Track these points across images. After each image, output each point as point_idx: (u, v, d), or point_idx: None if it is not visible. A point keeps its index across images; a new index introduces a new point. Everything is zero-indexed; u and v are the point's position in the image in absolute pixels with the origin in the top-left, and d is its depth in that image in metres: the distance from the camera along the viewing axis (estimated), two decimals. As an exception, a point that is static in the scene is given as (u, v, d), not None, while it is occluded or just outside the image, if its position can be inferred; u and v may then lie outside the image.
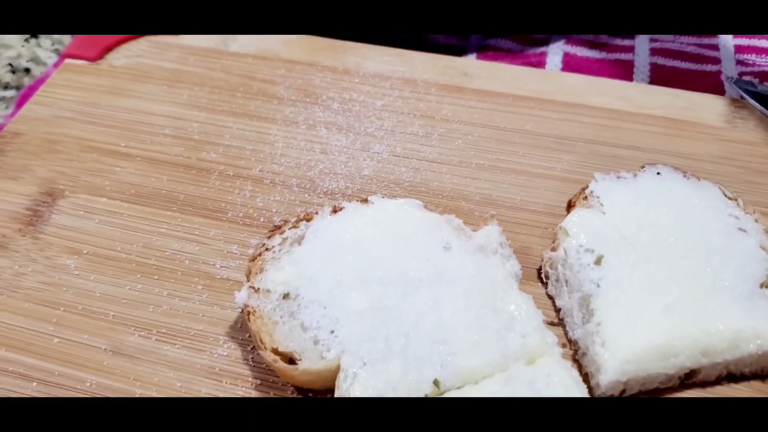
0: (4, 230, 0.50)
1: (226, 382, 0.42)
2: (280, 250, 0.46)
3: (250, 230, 0.50)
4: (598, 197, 0.47)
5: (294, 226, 0.47)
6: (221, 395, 0.42)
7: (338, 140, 0.56)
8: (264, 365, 0.42)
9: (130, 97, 0.59)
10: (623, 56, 0.67)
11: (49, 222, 0.51)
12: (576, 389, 0.39)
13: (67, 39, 0.72)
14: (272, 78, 0.61)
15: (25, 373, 0.43)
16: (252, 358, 0.43)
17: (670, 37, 0.69)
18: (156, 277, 0.47)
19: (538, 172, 0.53)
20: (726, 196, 0.48)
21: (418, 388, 0.39)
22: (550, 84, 0.60)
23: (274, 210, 0.51)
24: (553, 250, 0.46)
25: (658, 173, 0.49)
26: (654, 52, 0.67)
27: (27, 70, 0.69)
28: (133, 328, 0.45)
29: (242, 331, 0.44)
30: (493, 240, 0.46)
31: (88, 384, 0.42)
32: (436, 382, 0.39)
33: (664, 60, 0.67)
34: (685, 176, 0.49)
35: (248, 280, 0.44)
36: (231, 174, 0.54)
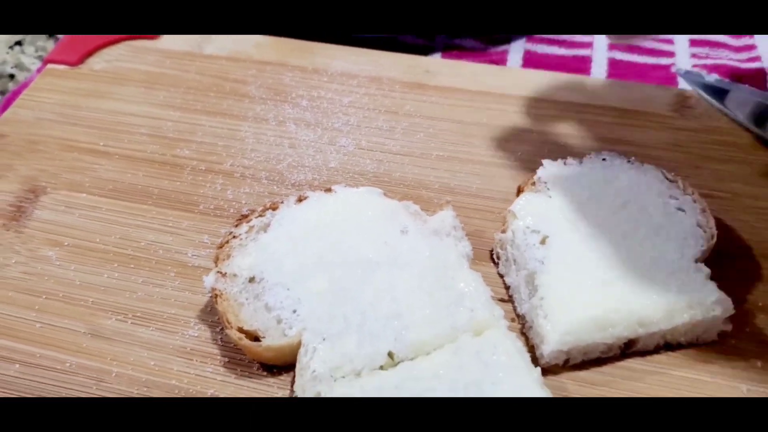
0: (-11, 225, 0.53)
1: (196, 361, 0.45)
2: (246, 238, 0.49)
3: (221, 221, 0.53)
4: (545, 182, 0.50)
5: (260, 215, 0.50)
6: (192, 372, 0.44)
7: (306, 135, 0.59)
8: (231, 344, 0.45)
9: (109, 99, 0.62)
10: (582, 52, 0.70)
11: (31, 217, 0.54)
12: (519, 358, 0.42)
13: (50, 46, 0.75)
14: (244, 78, 0.64)
15: (8, 356, 0.46)
16: (221, 338, 0.46)
17: (628, 32, 0.72)
18: (132, 265, 0.50)
19: (493, 162, 0.56)
20: (667, 178, 0.51)
21: (374, 360, 0.42)
22: (509, 80, 0.63)
23: (243, 201, 0.54)
24: (503, 232, 0.49)
25: (604, 159, 0.52)
26: (612, 47, 0.70)
27: (11, 76, 0.72)
28: (110, 313, 0.48)
29: (212, 314, 0.47)
30: (447, 224, 0.49)
31: (67, 364, 0.45)
32: (390, 354, 0.42)
33: (621, 54, 0.70)
34: (628, 161, 0.52)
35: (216, 266, 0.47)
36: (203, 169, 0.57)
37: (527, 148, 0.57)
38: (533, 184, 0.51)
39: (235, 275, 0.46)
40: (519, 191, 0.51)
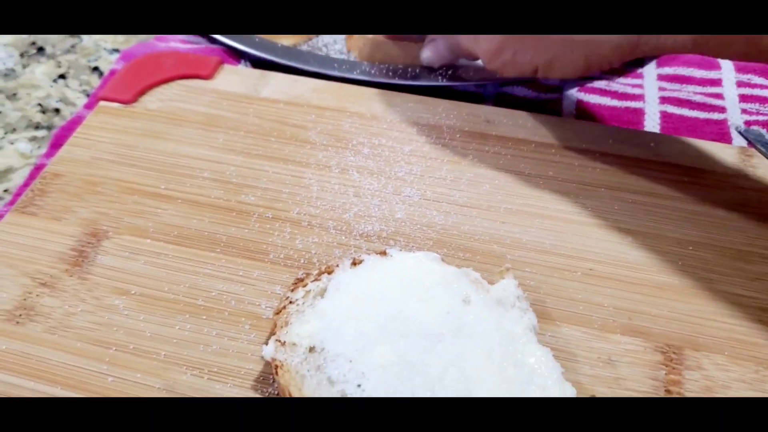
0: (51, 270, 0.52)
1: (279, 421, 0.44)
2: (303, 303, 0.47)
3: (292, 271, 0.52)
4: None
5: (316, 279, 0.49)
6: (275, 433, 0.43)
7: (370, 184, 0.58)
8: (315, 404, 0.44)
9: (166, 140, 0.61)
10: (634, 104, 0.71)
11: (95, 262, 0.52)
12: None
13: (95, 80, 0.74)
14: (303, 123, 0.63)
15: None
16: (302, 396, 0.45)
17: (677, 85, 0.73)
18: (204, 317, 0.49)
19: (564, 217, 0.56)
20: None
21: None
22: (569, 131, 0.63)
23: (313, 251, 0.53)
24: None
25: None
26: (663, 100, 0.71)
27: (57, 110, 0.71)
28: (185, 368, 0.46)
29: (292, 371, 0.46)
30: (510, 293, 0.48)
31: (144, 422, 0.44)
32: None
33: (672, 108, 0.70)
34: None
35: (274, 333, 0.46)
36: (270, 216, 0.56)
37: (596, 203, 0.57)
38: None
39: (294, 344, 0.45)
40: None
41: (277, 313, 0.47)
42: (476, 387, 0.43)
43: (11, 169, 0.65)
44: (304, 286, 0.48)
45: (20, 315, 0.49)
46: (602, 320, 0.49)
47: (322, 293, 0.48)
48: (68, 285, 0.51)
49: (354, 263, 0.49)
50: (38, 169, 0.63)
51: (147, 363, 0.47)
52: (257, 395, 0.45)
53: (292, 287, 0.48)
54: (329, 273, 0.49)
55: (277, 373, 0.44)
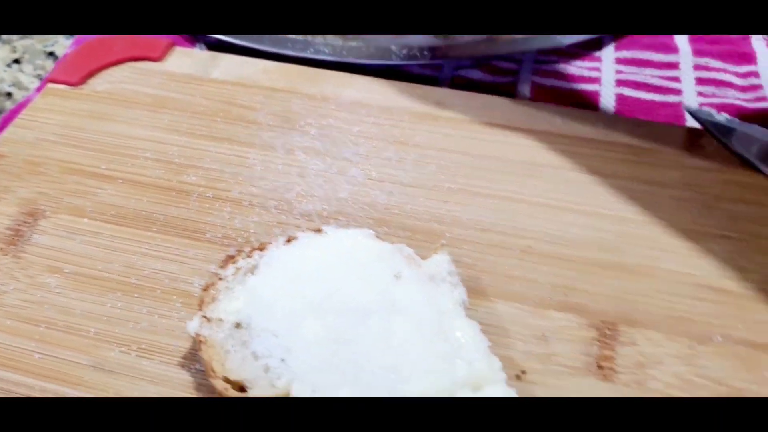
0: (-14, 249, 0.51)
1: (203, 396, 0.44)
2: (233, 280, 0.47)
3: (228, 250, 0.51)
4: None
5: (248, 256, 0.48)
6: (199, 409, 0.43)
7: (315, 164, 0.58)
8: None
9: (113, 121, 0.61)
10: (589, 87, 0.70)
11: (30, 242, 0.52)
12: None
13: (50, 65, 0.74)
14: (251, 104, 0.63)
15: (6, 388, 0.44)
16: (229, 373, 0.45)
17: (635, 68, 0.72)
18: (136, 295, 0.49)
19: (506, 196, 0.56)
20: None
21: None
22: (520, 113, 0.63)
23: (251, 231, 0.53)
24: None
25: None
26: (619, 83, 0.70)
27: (9, 95, 0.70)
28: (114, 344, 0.46)
29: (220, 347, 0.46)
30: (442, 268, 0.47)
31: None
32: None
33: (629, 91, 0.70)
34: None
35: (200, 309, 0.45)
36: (210, 196, 0.55)
37: (539, 183, 0.56)
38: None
39: (220, 320, 0.44)
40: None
41: (205, 289, 0.46)
42: (403, 361, 0.42)
43: (-41, 152, 0.64)
44: (235, 263, 0.48)
45: (-49, 294, 0.49)
46: (538, 297, 0.49)
47: (253, 270, 0.47)
48: (1, 264, 0.50)
49: (288, 240, 0.49)
50: (-16, 151, 0.63)
51: (76, 340, 0.46)
52: (184, 372, 0.45)
53: (222, 264, 0.48)
54: (261, 250, 0.48)
55: (200, 348, 0.43)
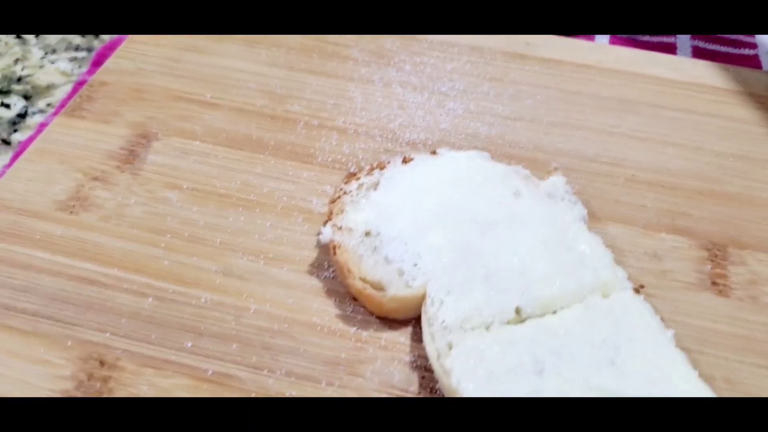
0: (102, 167, 0.52)
1: (336, 300, 0.45)
2: (357, 194, 0.48)
3: (341, 173, 0.53)
4: None
5: (369, 174, 0.50)
6: (332, 311, 0.44)
7: (414, 98, 0.59)
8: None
9: (210, 54, 0.62)
10: (666, 39, 0.72)
11: (146, 161, 0.53)
12: (651, 318, 0.41)
13: (131, 7, 0.75)
14: (345, 42, 0.64)
15: (141, 291, 0.45)
16: (357, 281, 0.46)
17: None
18: (258, 210, 0.50)
19: (605, 130, 0.57)
20: None
21: (503, 314, 0.42)
22: (606, 55, 0.64)
23: (360, 156, 0.54)
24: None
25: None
26: (694, 37, 0.72)
27: (96, 35, 0.71)
28: (240, 253, 0.47)
29: (346, 257, 0.47)
30: (559, 188, 0.49)
31: (203, 300, 0.45)
32: (517, 310, 0.42)
33: (704, 44, 0.71)
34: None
35: (330, 220, 0.47)
36: (316, 124, 0.56)
37: (636, 119, 0.58)
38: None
39: (351, 229, 0.46)
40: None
41: (332, 202, 0.48)
42: (530, 267, 0.43)
43: (53, 85, 0.65)
44: (357, 179, 0.49)
45: (73, 206, 0.50)
46: (646, 220, 0.50)
47: (375, 186, 0.49)
48: (120, 179, 0.51)
49: (404, 161, 0.50)
50: (80, 84, 0.63)
51: (202, 249, 0.47)
52: (313, 279, 0.46)
53: (345, 180, 0.49)
54: (381, 169, 0.50)
55: (335, 253, 0.44)
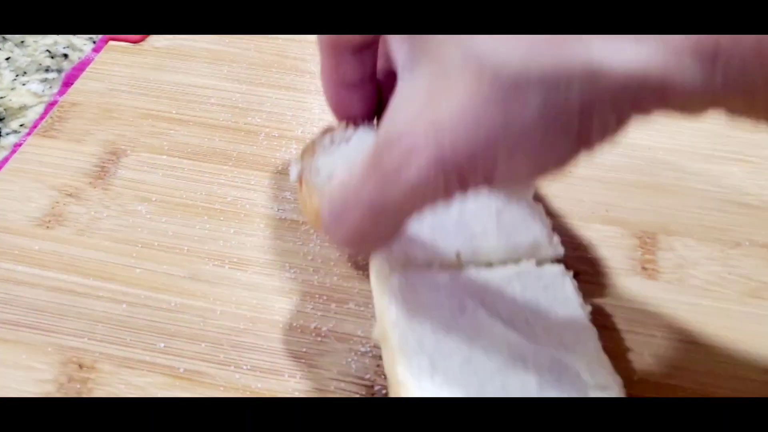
0: (76, 183, 0.56)
1: (296, 299, 0.49)
2: (329, 146, 0.50)
3: (301, 179, 0.56)
4: None
5: (343, 131, 0.50)
6: (293, 309, 0.48)
7: (368, 107, 0.63)
8: (327, 284, 0.49)
9: (175, 72, 0.66)
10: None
11: (116, 176, 0.56)
12: (574, 294, 0.44)
13: (99, 29, 0.78)
14: (303, 56, 0.68)
15: (115, 298, 0.48)
16: (316, 279, 0.50)
17: None
18: (222, 218, 0.53)
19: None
20: None
21: (444, 255, 0.44)
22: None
23: (318, 164, 0.58)
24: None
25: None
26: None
27: (65, 56, 0.75)
28: (207, 259, 0.51)
29: (305, 259, 0.51)
30: None
31: (173, 304, 0.48)
32: (458, 255, 0.45)
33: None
34: None
35: (301, 160, 0.49)
36: (276, 135, 0.60)
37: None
38: None
39: (318, 169, 0.48)
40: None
41: (304, 151, 0.50)
42: (474, 222, 0.46)
43: (25, 106, 0.68)
44: (331, 135, 0.51)
45: (49, 221, 0.53)
46: (582, 213, 0.55)
47: (348, 140, 0.50)
48: (93, 195, 0.55)
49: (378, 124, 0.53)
50: (52, 105, 0.67)
51: (171, 256, 0.51)
52: (275, 281, 0.50)
53: (319, 134, 0.51)
54: (356, 126, 0.52)
55: (301, 189, 0.47)
